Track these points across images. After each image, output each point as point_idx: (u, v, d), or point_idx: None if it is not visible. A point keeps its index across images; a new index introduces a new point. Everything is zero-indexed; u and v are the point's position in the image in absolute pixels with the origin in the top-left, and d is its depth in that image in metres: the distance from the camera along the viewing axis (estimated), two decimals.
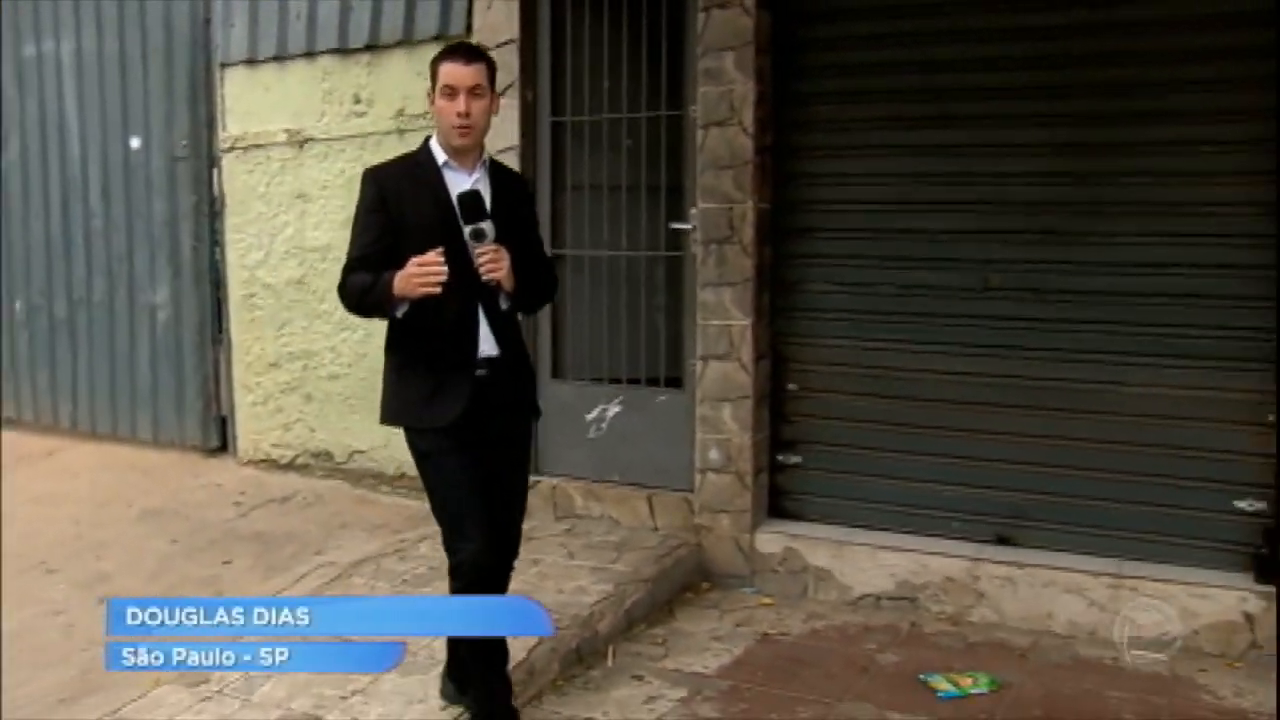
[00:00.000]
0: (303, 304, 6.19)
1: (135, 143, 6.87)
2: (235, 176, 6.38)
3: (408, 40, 5.68)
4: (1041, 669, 4.07)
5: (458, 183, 3.25)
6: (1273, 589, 4.03)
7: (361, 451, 6.10)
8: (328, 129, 6.00)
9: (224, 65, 6.41)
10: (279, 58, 6.16)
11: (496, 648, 3.45)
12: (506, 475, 3.44)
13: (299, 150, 6.10)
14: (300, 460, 6.33)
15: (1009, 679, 3.95)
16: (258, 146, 6.26)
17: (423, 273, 3.05)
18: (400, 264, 3.11)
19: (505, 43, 5.08)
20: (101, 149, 7.03)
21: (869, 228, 4.70)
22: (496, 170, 3.41)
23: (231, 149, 6.38)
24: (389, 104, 5.77)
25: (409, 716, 3.52)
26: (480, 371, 3.28)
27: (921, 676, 3.95)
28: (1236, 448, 4.22)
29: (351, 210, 5.72)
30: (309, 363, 6.22)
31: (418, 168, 3.32)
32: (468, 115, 3.19)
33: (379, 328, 5.72)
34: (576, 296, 5.20)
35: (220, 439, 6.76)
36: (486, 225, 3.14)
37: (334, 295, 5.83)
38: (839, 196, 4.74)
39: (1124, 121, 4.32)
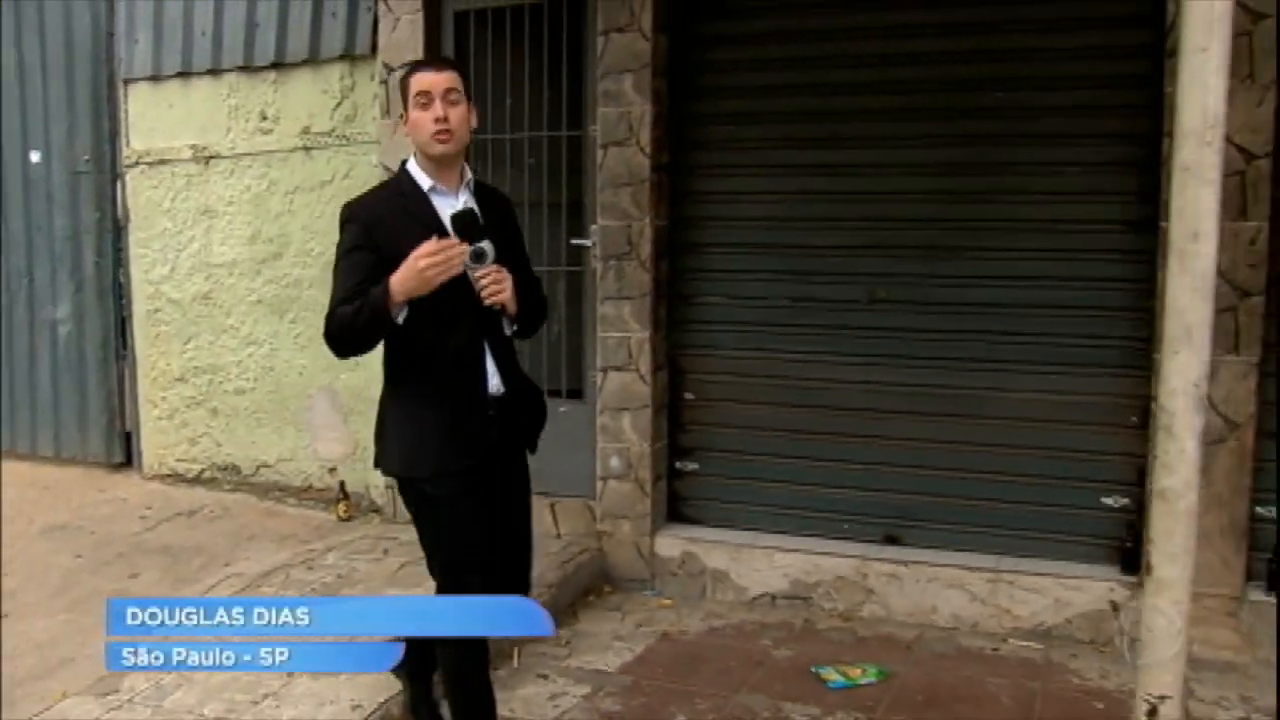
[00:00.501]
0: (209, 319, 6.22)
1: (35, 156, 6.84)
2: (140, 192, 6.39)
3: (313, 59, 5.75)
4: (926, 659, 4.30)
5: (447, 206, 3.04)
6: (1135, 579, 4.31)
7: (268, 465, 6.15)
8: (234, 145, 6.04)
9: (127, 80, 6.43)
10: (184, 74, 6.19)
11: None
12: (516, 515, 3.29)
13: (205, 166, 6.14)
14: (207, 474, 6.36)
15: (896, 669, 4.16)
16: (163, 162, 6.28)
17: (437, 259, 2.81)
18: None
19: (410, 63, 5.18)
20: None
21: (762, 243, 4.90)
22: (481, 189, 3.22)
23: (136, 164, 6.39)
24: (295, 121, 5.84)
25: (320, 717, 3.60)
26: (492, 409, 3.10)
27: (813, 668, 4.15)
28: (1104, 448, 4.51)
29: (259, 226, 5.91)
30: (215, 377, 6.25)
31: (402, 197, 3.08)
32: (445, 120, 2.98)
33: (285, 342, 5.89)
34: None
35: (125, 454, 6.76)
36: (487, 245, 2.95)
37: (240, 309, 5.99)
38: (733, 213, 4.94)
39: (1002, 143, 4.58)
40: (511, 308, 3.05)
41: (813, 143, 4.82)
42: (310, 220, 5.82)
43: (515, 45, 5.10)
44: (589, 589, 4.91)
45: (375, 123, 5.42)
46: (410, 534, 5.16)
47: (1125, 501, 4.48)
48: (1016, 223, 4.56)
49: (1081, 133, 4.43)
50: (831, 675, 4.09)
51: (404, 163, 3.15)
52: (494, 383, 3.10)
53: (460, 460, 3.05)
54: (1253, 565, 4.29)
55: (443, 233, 2.95)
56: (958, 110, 4.61)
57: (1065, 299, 4.51)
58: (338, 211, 5.38)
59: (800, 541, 4.86)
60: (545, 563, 4.84)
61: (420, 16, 5.16)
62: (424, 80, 3.01)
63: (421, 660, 3.40)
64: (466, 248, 2.88)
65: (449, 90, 3.00)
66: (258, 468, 6.19)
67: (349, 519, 5.60)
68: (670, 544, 4.99)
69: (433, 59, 3.22)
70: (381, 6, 5.30)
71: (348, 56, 5.63)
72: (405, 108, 3.06)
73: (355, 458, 5.75)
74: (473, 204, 3.08)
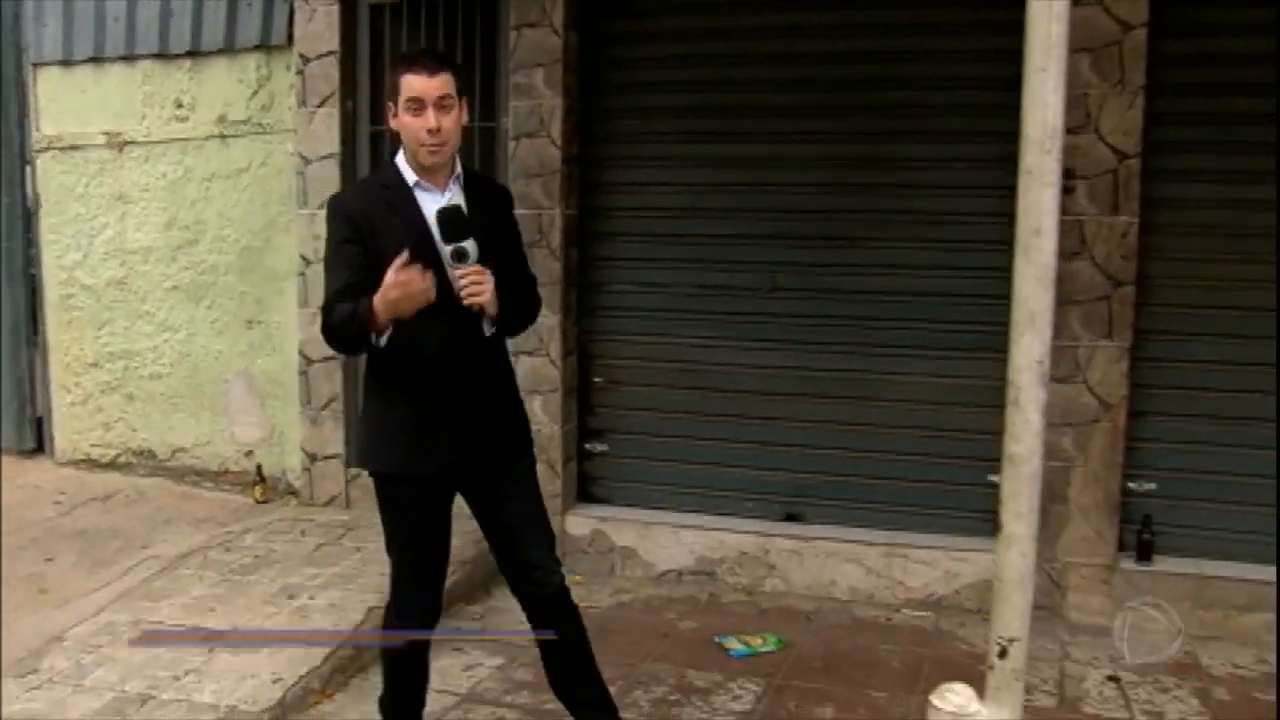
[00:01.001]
0: (124, 304, 6.24)
1: None
2: (51, 177, 6.37)
3: (230, 48, 5.78)
4: (824, 629, 4.55)
5: (432, 202, 2.95)
6: None
7: (184, 449, 6.19)
8: (149, 132, 6.06)
9: (36, 65, 6.37)
10: (96, 59, 6.16)
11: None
12: (521, 503, 3.17)
13: (119, 153, 6.15)
14: (122, 459, 6.38)
15: (795, 638, 4.40)
16: (75, 148, 6.27)
17: (405, 287, 2.69)
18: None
19: (326, 54, 5.28)
20: None
21: (668, 233, 5.09)
22: (472, 181, 3.11)
23: (47, 149, 6.36)
24: (211, 109, 5.88)
25: (241, 691, 3.70)
26: (465, 409, 3.01)
27: (716, 639, 4.37)
28: (988, 428, 4.72)
29: (175, 213, 5.96)
30: (130, 362, 6.27)
31: (386, 190, 3.00)
32: (438, 131, 2.88)
33: (202, 328, 5.96)
34: None
35: (37, 440, 6.74)
36: (469, 244, 2.86)
37: (156, 295, 6.04)
38: (640, 203, 5.12)
39: (892, 139, 4.83)
40: (491, 310, 2.93)
41: (716, 137, 5.02)
42: (227, 207, 5.88)
43: (429, 38, 5.20)
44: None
45: (292, 112, 5.48)
46: (326, 515, 5.40)
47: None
48: (906, 214, 4.80)
49: (964, 130, 4.69)
50: (734, 644, 4.32)
51: (392, 155, 3.07)
52: (470, 384, 3.02)
53: (427, 463, 3.00)
54: (1124, 537, 4.60)
55: (425, 229, 2.90)
56: (852, 107, 4.84)
57: (952, 287, 4.77)
58: (254, 199, 5.54)
59: (705, 519, 5.08)
60: (460, 541, 4.93)
61: (337, 8, 5.24)
62: (416, 86, 2.88)
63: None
64: (430, 283, 2.71)
65: (442, 97, 2.88)
66: (174, 452, 6.23)
67: (266, 501, 5.68)
68: (580, 523, 5.18)
69: (425, 58, 2.96)
70: None
71: (264, 46, 5.68)
72: (395, 105, 2.94)
73: (272, 441, 5.84)
74: (459, 200, 2.98)
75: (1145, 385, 4.56)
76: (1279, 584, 4.30)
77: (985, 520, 4.79)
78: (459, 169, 3.05)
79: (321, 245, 5.21)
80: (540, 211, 5.01)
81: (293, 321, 5.59)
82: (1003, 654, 2.19)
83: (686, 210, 5.07)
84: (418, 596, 3.16)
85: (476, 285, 2.86)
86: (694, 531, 5.05)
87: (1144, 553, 4.58)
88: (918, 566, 4.80)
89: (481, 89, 5.16)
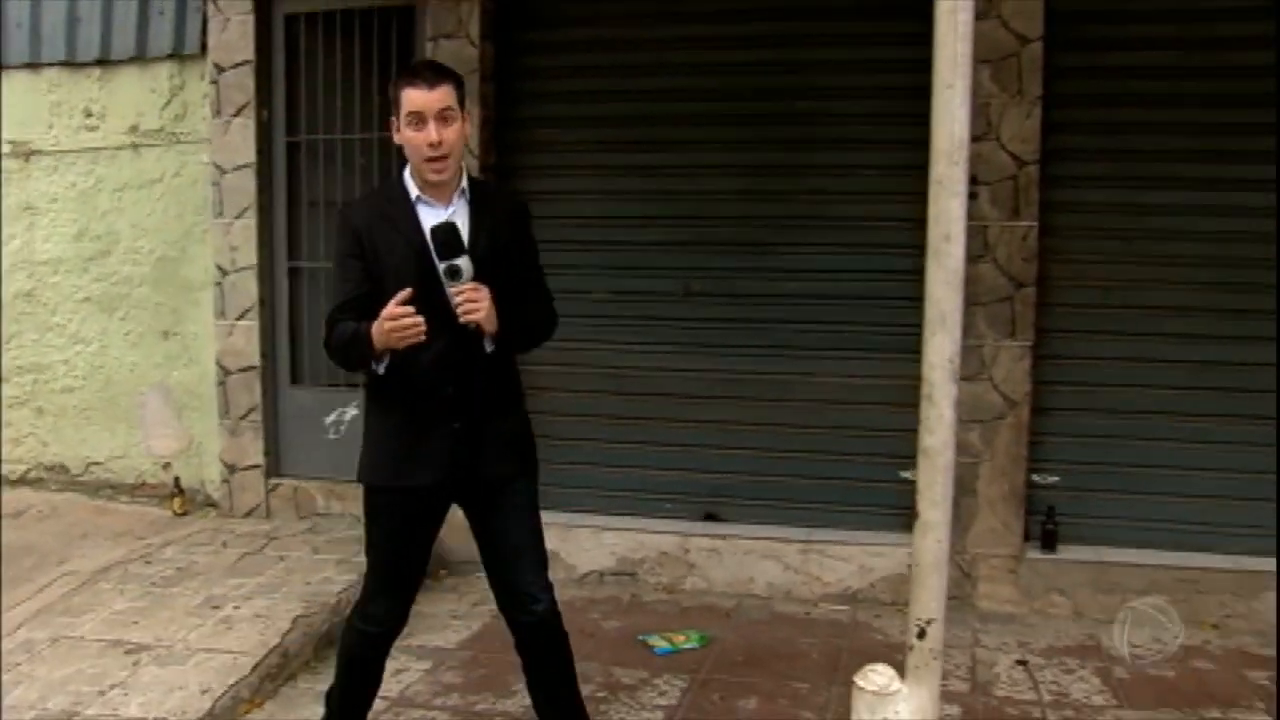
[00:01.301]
0: (32, 317, 6.14)
1: None
2: None
3: (141, 57, 5.74)
4: (744, 625, 4.66)
5: (434, 218, 2.91)
6: None
7: (99, 463, 6.12)
8: (57, 142, 5.98)
9: None
10: None
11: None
12: (512, 528, 3.14)
13: (25, 162, 6.06)
14: (32, 475, 6.28)
15: (717, 634, 4.50)
16: None
17: (397, 325, 2.71)
18: (379, 310, 2.79)
19: (241, 63, 5.30)
20: None
21: (584, 240, 5.17)
22: (480, 196, 3.04)
23: None
24: (122, 119, 5.83)
25: (169, 703, 3.68)
26: (458, 425, 2.97)
27: (640, 637, 4.46)
28: (899, 426, 4.90)
29: (85, 224, 5.91)
30: (40, 376, 6.18)
31: (389, 204, 2.98)
32: (440, 144, 2.84)
33: (116, 340, 5.90)
34: (313, 306, 5.45)
35: None
36: (462, 262, 2.80)
37: (67, 307, 5.96)
38: (557, 212, 5.16)
39: (802, 147, 4.98)
40: (488, 327, 2.88)
41: (630, 145, 5.12)
42: (140, 218, 5.82)
43: (346, 48, 5.24)
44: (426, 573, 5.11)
45: (206, 122, 5.47)
46: (247, 525, 5.39)
47: (916, 477, 4.92)
48: (818, 220, 4.95)
49: (870, 138, 4.86)
50: (658, 642, 4.41)
51: (401, 168, 3.02)
52: (466, 401, 2.98)
53: (413, 477, 2.99)
54: (1030, 528, 4.79)
55: (424, 245, 2.86)
56: (763, 116, 4.97)
57: (862, 290, 4.93)
58: (169, 209, 5.49)
59: (626, 521, 5.18)
60: None
61: (251, 18, 5.25)
62: (415, 100, 2.84)
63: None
64: (421, 324, 2.72)
65: (443, 109, 2.84)
66: (87, 466, 6.16)
67: (185, 514, 5.65)
68: None
69: (424, 70, 2.92)
70: (210, 7, 5.36)
71: (177, 55, 5.65)
72: (396, 118, 2.91)
73: (190, 453, 5.80)
74: (464, 213, 2.95)
75: (1047, 382, 4.76)
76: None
77: (898, 515, 4.97)
78: (465, 183, 3.00)
79: (238, 255, 5.29)
80: None
81: (210, 332, 5.56)
82: (921, 635, 2.32)
83: (603, 218, 5.16)
84: (386, 602, 3.17)
85: (472, 303, 2.80)
86: (615, 533, 5.14)
87: (1049, 542, 4.78)
88: (834, 562, 4.94)
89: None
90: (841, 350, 4.97)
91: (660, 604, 4.90)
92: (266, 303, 5.42)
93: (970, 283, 4.53)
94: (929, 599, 2.32)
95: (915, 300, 4.77)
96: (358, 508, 5.16)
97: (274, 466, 5.53)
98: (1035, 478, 4.82)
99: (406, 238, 2.90)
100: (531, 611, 3.14)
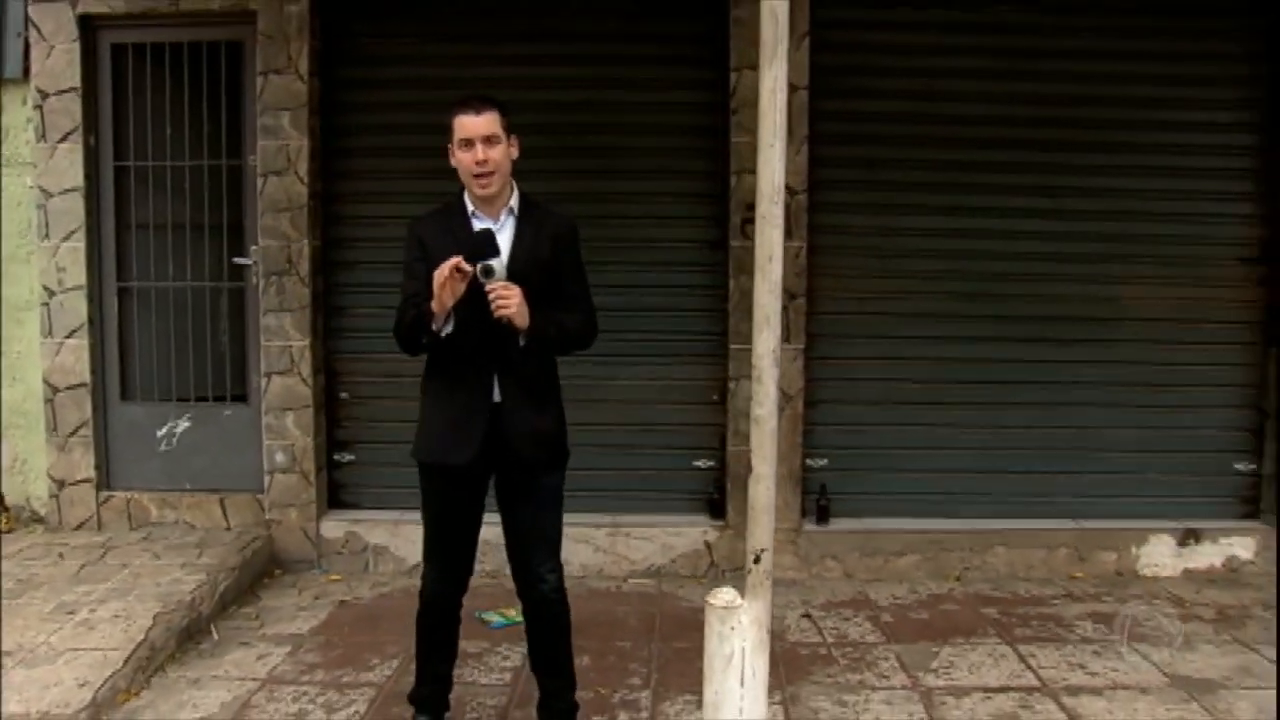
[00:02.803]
0: None
1: None
2: None
3: None
4: None
5: (481, 228, 3.35)
6: (724, 522, 5.50)
7: None
8: None
9: None
10: None
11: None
12: (528, 516, 3.55)
13: None
14: None
15: None
16: None
17: (442, 282, 3.14)
18: None
19: (67, 90, 5.46)
20: None
21: (402, 260, 5.61)
22: (529, 213, 3.46)
23: None
24: None
25: (49, 698, 3.83)
26: (492, 411, 3.36)
27: (476, 614, 4.95)
28: (694, 421, 5.65)
29: None
30: None
31: (450, 216, 3.47)
32: (485, 162, 3.30)
33: None
34: (143, 325, 5.69)
35: None
36: (495, 262, 3.19)
37: None
38: (379, 234, 5.60)
39: (605, 177, 5.60)
40: (519, 322, 3.25)
41: (448, 172, 5.54)
42: None
43: (175, 77, 5.51)
44: (263, 572, 5.44)
45: (30, 146, 5.58)
46: (80, 538, 5.58)
47: (711, 463, 5.67)
48: (621, 241, 5.56)
49: (669, 169, 5.55)
50: (493, 618, 4.94)
51: (461, 190, 3.49)
52: (495, 392, 3.38)
53: (453, 455, 3.41)
54: (806, 504, 5.58)
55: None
56: (569, 149, 5.56)
57: (661, 303, 5.61)
58: None
59: None
60: (224, 550, 5.33)
61: (78, 46, 5.43)
62: (465, 126, 3.34)
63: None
64: (452, 271, 3.14)
65: (489, 135, 3.33)
66: None
67: (10, 531, 5.71)
68: (334, 526, 5.63)
69: (473, 100, 3.40)
70: (33, 33, 5.48)
71: None
72: (451, 144, 3.39)
73: (14, 470, 5.84)
74: (510, 226, 3.40)
75: (817, 379, 5.57)
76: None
77: (694, 499, 5.68)
78: (514, 201, 3.45)
79: (66, 276, 5.47)
80: (289, 243, 5.44)
81: (36, 351, 5.66)
82: (757, 560, 2.94)
83: None
84: (438, 567, 3.63)
85: (503, 300, 3.19)
86: None
87: (822, 516, 5.59)
88: (639, 542, 5.58)
89: (228, 128, 5.53)
90: (643, 356, 5.62)
91: (487, 587, 5.38)
92: (95, 322, 5.60)
93: (751, 296, 5.37)
94: (762, 534, 2.94)
95: (705, 311, 5.58)
96: (192, 516, 5.59)
97: (105, 480, 5.71)
98: (809, 461, 5.61)
99: (458, 243, 3.30)
100: (539, 588, 3.63)
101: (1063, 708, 4.01)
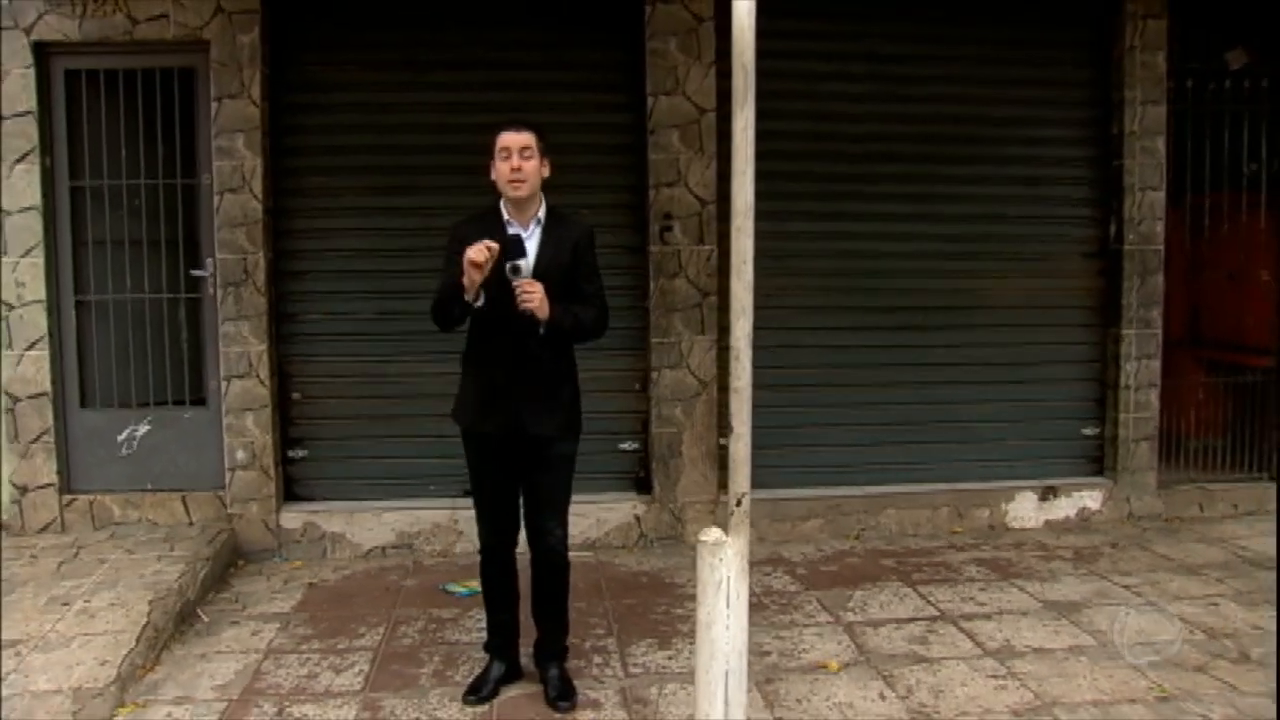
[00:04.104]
0: None
1: None
2: None
3: None
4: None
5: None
6: (650, 496, 6.16)
7: None
8: None
9: None
10: None
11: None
12: (539, 481, 4.14)
13: None
14: None
15: None
16: None
17: (475, 253, 3.70)
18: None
19: (23, 113, 5.73)
20: None
21: (352, 269, 6.12)
22: (554, 222, 4.08)
23: None
24: None
25: (75, 676, 4.22)
26: (517, 388, 4.00)
27: (440, 586, 5.51)
28: (620, 408, 6.29)
29: None
30: None
31: (487, 222, 4.03)
32: (519, 170, 3.91)
33: None
34: (101, 336, 6.01)
35: None
36: (522, 262, 3.83)
37: None
38: (328, 246, 6.10)
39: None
40: (540, 314, 3.88)
41: (388, 190, 6.12)
42: None
43: (130, 101, 5.85)
44: (229, 563, 5.85)
45: None
46: (46, 540, 5.89)
47: (636, 445, 6.32)
48: None
49: (594, 184, 6.15)
50: (457, 588, 5.49)
51: (496, 201, 4.07)
52: (521, 367, 4.02)
53: (484, 424, 4.09)
54: (722, 479, 6.27)
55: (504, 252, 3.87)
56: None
57: None
58: None
59: (401, 503, 6.17)
60: (194, 543, 5.71)
61: (31, 72, 5.71)
62: (505, 139, 3.94)
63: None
64: (486, 247, 3.73)
65: (524, 148, 3.93)
66: None
67: None
68: (293, 518, 6.07)
69: (516, 121, 4.03)
70: None
71: None
72: (492, 158, 3.98)
73: None
74: (537, 234, 4.01)
75: (728, 367, 6.22)
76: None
77: (623, 478, 6.32)
78: (541, 213, 4.07)
79: (25, 291, 5.76)
80: (245, 255, 5.86)
81: None
82: (739, 503, 3.57)
83: (367, 250, 6.12)
84: (488, 523, 4.23)
85: (527, 294, 3.84)
86: (393, 513, 6.12)
87: None
88: (575, 519, 5.95)
89: (182, 149, 5.92)
90: (577, 349, 6.20)
91: (439, 566, 5.94)
92: (55, 334, 5.89)
93: (669, 294, 6.10)
94: (742, 481, 3.55)
95: (629, 309, 6.23)
96: (155, 514, 5.99)
97: (66, 485, 6.01)
98: (722, 440, 6.30)
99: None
100: (547, 541, 4.21)
101: (961, 630, 4.82)
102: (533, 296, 3.85)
